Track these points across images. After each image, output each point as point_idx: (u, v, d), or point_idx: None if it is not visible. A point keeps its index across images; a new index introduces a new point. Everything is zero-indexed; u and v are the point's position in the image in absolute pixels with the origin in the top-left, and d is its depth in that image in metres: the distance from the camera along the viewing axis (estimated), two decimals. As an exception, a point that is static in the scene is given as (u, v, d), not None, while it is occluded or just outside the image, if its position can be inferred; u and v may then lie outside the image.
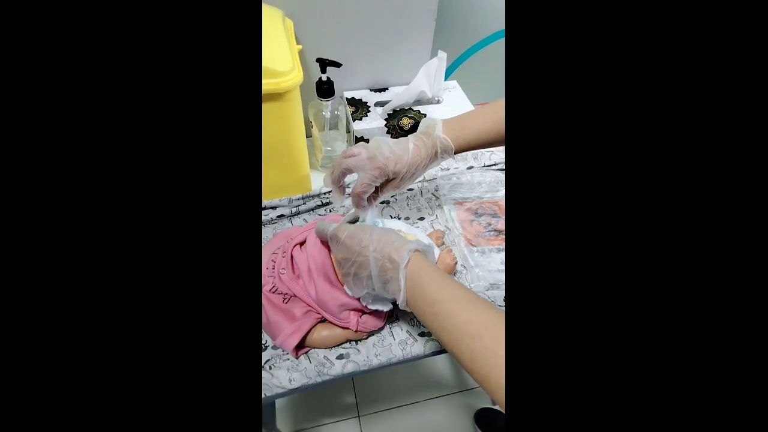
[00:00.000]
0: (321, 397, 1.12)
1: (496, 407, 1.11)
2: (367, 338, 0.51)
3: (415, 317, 0.53)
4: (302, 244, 0.53)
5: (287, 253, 0.52)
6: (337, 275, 0.50)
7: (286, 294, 0.50)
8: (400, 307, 0.41)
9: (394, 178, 0.49)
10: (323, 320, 0.50)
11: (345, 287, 0.47)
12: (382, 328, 0.52)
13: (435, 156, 0.51)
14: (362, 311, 0.49)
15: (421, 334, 0.52)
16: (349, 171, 0.49)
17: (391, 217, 0.66)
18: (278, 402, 1.08)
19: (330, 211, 0.67)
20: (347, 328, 0.49)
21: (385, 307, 0.49)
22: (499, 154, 0.77)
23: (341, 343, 0.50)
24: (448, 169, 0.74)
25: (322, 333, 0.49)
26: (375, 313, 0.50)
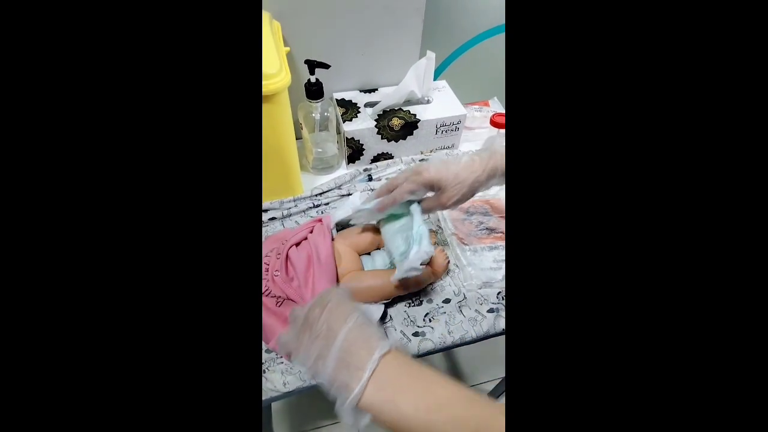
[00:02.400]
0: (318, 400, 1.11)
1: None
2: (361, 339, 0.51)
3: (409, 316, 0.53)
4: (298, 244, 0.53)
5: (282, 254, 0.51)
6: (337, 272, 0.51)
7: (279, 297, 0.50)
8: (344, 412, 0.29)
9: (440, 191, 0.45)
10: (316, 322, 0.50)
11: (290, 354, 0.36)
12: (375, 329, 0.52)
13: (495, 173, 0.44)
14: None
15: (415, 334, 0.52)
16: (394, 187, 0.48)
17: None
18: (275, 405, 1.07)
19: (322, 212, 0.67)
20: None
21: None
22: (489, 152, 0.77)
23: (335, 345, 0.50)
24: (439, 169, 0.74)
25: (315, 335, 0.49)
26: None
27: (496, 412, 0.27)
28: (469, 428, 0.27)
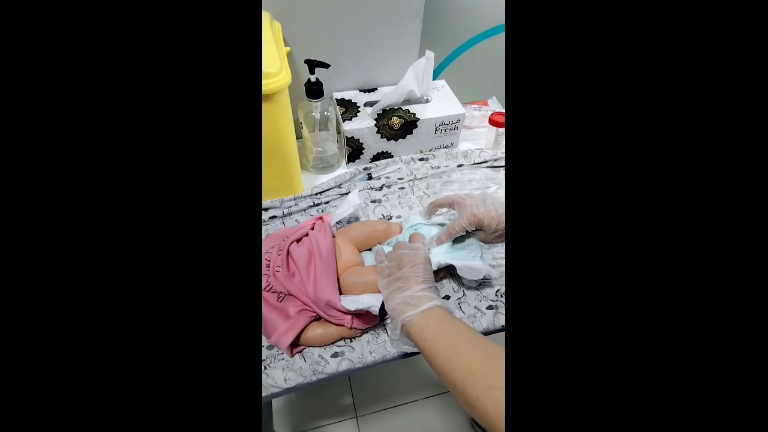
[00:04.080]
0: (318, 399, 1.12)
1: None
2: (361, 335, 0.52)
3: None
4: (299, 241, 0.53)
5: (283, 250, 0.52)
6: (337, 268, 0.51)
7: (281, 292, 0.51)
8: (395, 329, 0.44)
9: (487, 230, 0.51)
10: (317, 318, 0.50)
11: (380, 276, 0.49)
12: (376, 325, 0.52)
13: None
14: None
15: (415, 330, 0.52)
16: (449, 205, 0.55)
17: (383, 216, 0.67)
18: (275, 404, 1.08)
19: (322, 211, 0.67)
20: (342, 326, 0.49)
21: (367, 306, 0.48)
22: (488, 152, 0.77)
23: (336, 341, 0.51)
24: (439, 167, 0.75)
25: (316, 331, 0.50)
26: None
27: (496, 351, 0.37)
28: (462, 357, 0.37)
